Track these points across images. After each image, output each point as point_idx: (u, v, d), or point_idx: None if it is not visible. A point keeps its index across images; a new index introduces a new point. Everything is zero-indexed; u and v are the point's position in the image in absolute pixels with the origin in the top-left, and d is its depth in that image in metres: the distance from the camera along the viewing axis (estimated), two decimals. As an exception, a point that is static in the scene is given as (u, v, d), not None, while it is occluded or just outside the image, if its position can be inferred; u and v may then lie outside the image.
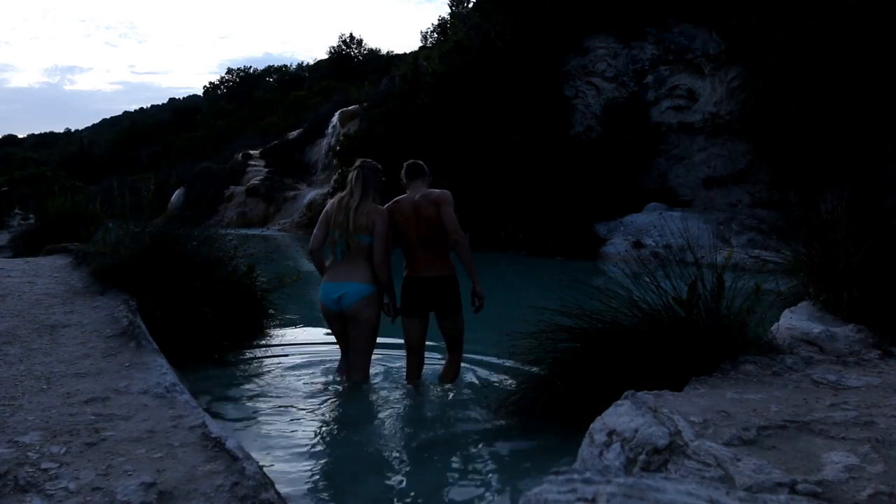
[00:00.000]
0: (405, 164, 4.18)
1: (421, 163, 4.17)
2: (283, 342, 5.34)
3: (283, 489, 2.19)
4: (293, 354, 5.01)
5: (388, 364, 4.63)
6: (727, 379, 2.68)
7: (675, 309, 3.16)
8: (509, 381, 4.03)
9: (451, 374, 4.17)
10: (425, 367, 4.25)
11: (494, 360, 4.71)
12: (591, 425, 2.30)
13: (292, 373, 4.46)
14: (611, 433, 2.17)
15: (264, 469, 2.09)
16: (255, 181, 24.76)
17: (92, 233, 6.66)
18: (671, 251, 9.76)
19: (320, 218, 4.08)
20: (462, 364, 4.33)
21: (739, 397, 2.43)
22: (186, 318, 4.47)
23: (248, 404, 3.83)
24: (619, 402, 2.33)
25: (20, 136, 78.86)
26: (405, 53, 32.70)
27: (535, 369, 3.49)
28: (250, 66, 52.63)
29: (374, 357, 4.24)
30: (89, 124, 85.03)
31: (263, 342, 5.29)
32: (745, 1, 13.26)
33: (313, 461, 3.03)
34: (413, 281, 3.97)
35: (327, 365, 4.64)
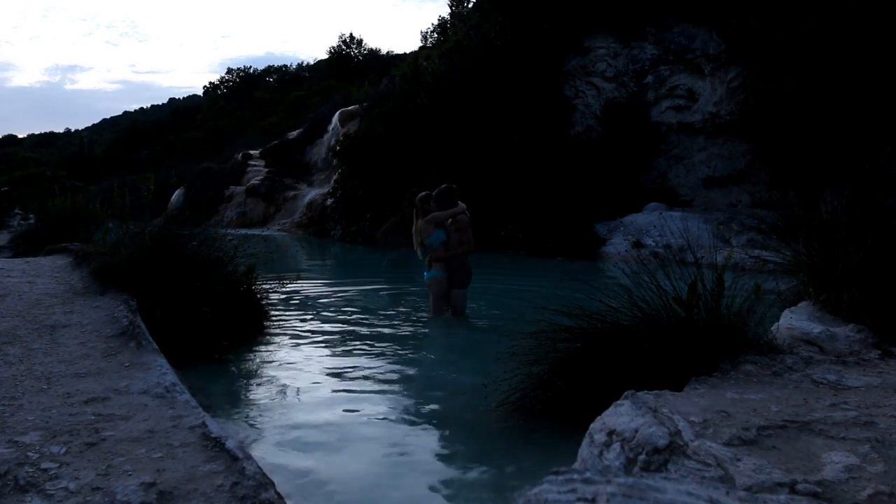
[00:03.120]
0: (453, 188, 6.26)
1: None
2: (282, 341, 5.35)
3: (283, 489, 2.19)
4: (293, 354, 5.00)
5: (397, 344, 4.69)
6: (727, 379, 2.68)
7: (675, 309, 3.16)
8: (509, 381, 4.03)
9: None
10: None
11: (494, 359, 4.70)
12: (591, 425, 2.30)
13: (292, 372, 4.46)
14: (611, 433, 2.17)
15: (264, 469, 2.09)
16: (255, 181, 24.71)
17: (92, 233, 6.67)
18: (671, 251, 9.77)
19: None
20: (461, 364, 4.51)
21: (739, 397, 2.42)
22: (186, 318, 4.47)
23: (249, 404, 3.83)
24: (619, 402, 2.33)
25: (20, 136, 78.87)
26: (405, 53, 32.68)
27: (535, 369, 3.49)
28: (250, 66, 52.59)
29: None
30: (89, 124, 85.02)
31: (263, 341, 5.29)
32: (745, 1, 13.24)
33: (314, 461, 3.03)
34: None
35: (327, 364, 4.64)
